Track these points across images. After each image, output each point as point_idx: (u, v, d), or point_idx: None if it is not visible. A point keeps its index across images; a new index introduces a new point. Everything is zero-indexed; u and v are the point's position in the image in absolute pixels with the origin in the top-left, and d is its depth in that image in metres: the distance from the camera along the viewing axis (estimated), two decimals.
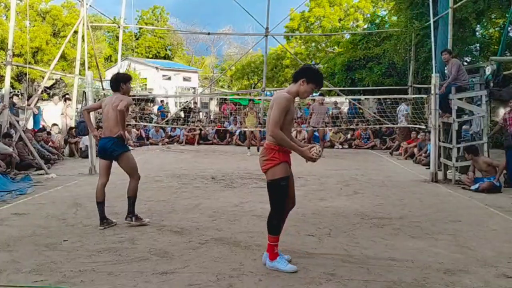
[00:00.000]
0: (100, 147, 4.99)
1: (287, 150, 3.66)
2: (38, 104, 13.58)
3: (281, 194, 3.65)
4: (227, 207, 6.02)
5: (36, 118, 12.60)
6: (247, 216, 5.52)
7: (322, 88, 10.62)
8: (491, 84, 9.02)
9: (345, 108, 18.64)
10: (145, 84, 31.83)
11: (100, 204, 4.98)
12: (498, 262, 3.95)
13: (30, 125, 12.00)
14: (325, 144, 13.32)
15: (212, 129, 16.49)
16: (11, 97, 9.93)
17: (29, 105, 11.70)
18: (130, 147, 5.37)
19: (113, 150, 4.88)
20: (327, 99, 19.86)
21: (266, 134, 3.78)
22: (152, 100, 19.85)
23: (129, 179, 5.11)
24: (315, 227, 4.95)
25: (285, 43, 28.27)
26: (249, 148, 12.40)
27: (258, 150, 12.72)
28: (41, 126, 12.27)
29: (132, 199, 5.00)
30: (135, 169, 5.00)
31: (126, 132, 5.08)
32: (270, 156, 3.62)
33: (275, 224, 3.66)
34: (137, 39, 38.55)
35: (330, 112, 16.15)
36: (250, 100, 14.92)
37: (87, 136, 9.41)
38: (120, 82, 5.03)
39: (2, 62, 17.89)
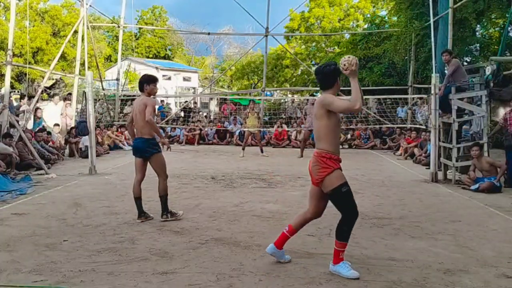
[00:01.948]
0: (133, 146, 5.40)
1: (338, 158, 3.64)
2: (38, 104, 13.56)
3: (348, 199, 3.58)
4: (227, 207, 6.02)
5: (39, 123, 12.55)
6: (247, 216, 5.53)
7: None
8: (491, 84, 9.02)
9: None
10: None
11: (137, 199, 5.28)
12: (498, 262, 3.95)
13: (30, 125, 11.99)
14: None
15: (211, 129, 16.47)
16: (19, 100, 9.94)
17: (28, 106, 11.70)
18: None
19: (145, 150, 5.22)
20: None
21: (316, 143, 3.71)
22: None
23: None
24: (315, 227, 4.94)
25: (285, 43, 28.25)
26: (243, 149, 12.34)
27: (261, 151, 12.65)
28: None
29: (163, 197, 5.26)
30: (163, 170, 5.29)
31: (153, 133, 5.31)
32: (323, 164, 3.57)
33: (345, 230, 3.57)
34: (137, 39, 38.54)
35: None
36: (250, 100, 14.80)
37: (87, 136, 9.39)
38: (144, 83, 5.31)
39: (2, 62, 17.90)
